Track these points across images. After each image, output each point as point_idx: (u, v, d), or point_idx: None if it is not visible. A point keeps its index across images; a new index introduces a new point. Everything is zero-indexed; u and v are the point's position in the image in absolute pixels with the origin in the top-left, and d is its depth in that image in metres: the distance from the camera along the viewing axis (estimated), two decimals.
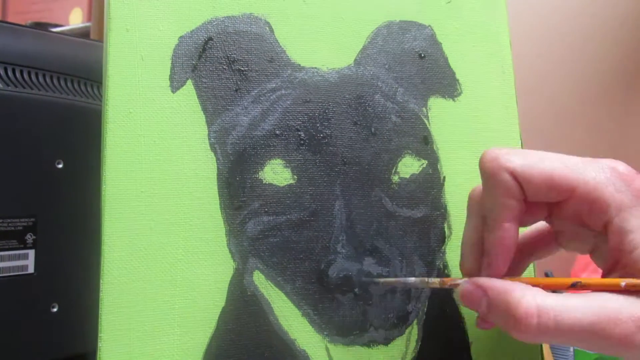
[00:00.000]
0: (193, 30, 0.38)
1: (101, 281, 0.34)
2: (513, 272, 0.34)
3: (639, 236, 0.28)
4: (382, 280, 0.37)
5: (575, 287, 0.30)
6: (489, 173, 0.30)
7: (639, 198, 0.29)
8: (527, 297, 0.28)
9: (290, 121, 0.38)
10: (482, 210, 0.33)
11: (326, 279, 0.37)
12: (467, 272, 0.35)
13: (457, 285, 0.32)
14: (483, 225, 0.33)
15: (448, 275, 0.40)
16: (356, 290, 0.37)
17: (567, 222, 0.32)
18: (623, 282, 0.28)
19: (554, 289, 0.30)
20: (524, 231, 0.37)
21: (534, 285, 0.29)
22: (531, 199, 0.31)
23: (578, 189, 0.29)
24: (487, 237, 0.32)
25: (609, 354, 0.28)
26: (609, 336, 0.27)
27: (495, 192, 0.31)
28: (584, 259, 0.81)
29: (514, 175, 0.30)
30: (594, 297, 0.28)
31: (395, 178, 0.39)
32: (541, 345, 0.41)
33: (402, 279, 0.37)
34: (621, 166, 0.30)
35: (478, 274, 0.33)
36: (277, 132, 0.38)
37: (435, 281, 0.34)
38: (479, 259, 0.34)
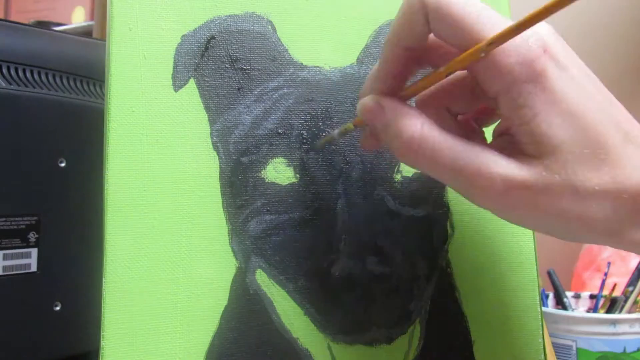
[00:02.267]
0: (195, 29, 0.38)
1: (104, 280, 0.34)
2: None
3: (530, 112, 0.28)
4: (315, 144, 0.38)
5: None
6: None
7: (536, 76, 0.28)
8: (415, 124, 0.29)
9: (293, 120, 0.38)
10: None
11: (328, 278, 0.37)
12: (362, 90, 0.34)
13: (360, 122, 0.33)
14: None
15: (450, 274, 0.40)
16: (358, 289, 0.37)
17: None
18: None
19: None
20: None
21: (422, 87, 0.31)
22: (438, 36, 0.30)
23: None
24: (381, 55, 0.32)
25: (471, 200, 0.30)
26: (472, 185, 0.29)
27: (402, 15, 0.30)
28: (588, 256, 0.81)
29: (425, 8, 0.29)
30: (473, 146, 0.29)
31: (398, 177, 0.39)
32: (544, 344, 0.41)
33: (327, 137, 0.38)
34: (545, 38, 0.28)
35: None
36: (280, 130, 0.38)
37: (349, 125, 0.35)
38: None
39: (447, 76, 0.30)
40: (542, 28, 0.28)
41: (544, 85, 0.27)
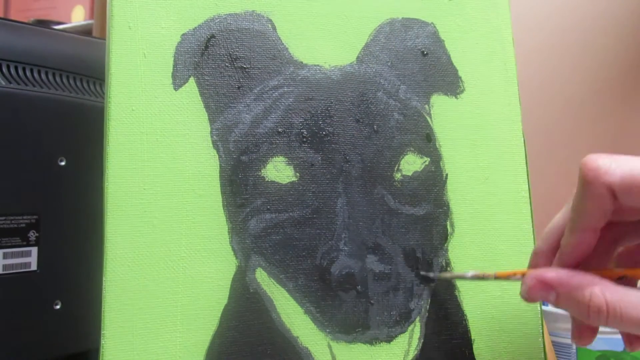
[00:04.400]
0: (195, 27, 0.38)
1: (104, 278, 0.34)
2: (600, 263, 0.35)
3: None
4: (439, 275, 0.39)
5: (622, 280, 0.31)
6: (586, 181, 0.30)
7: None
8: (595, 293, 0.30)
9: (293, 119, 0.38)
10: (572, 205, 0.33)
11: (328, 277, 0.37)
12: (535, 252, 0.35)
13: (516, 276, 0.34)
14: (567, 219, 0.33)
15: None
16: (359, 287, 0.37)
17: None
18: None
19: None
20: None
21: (600, 276, 0.31)
22: (627, 205, 0.31)
23: None
24: (566, 233, 0.33)
25: None
26: None
27: (586, 201, 0.31)
28: None
29: (612, 190, 0.30)
30: None
31: (398, 175, 0.39)
32: (544, 343, 0.41)
33: (458, 274, 0.39)
34: None
35: (546, 256, 0.34)
36: (280, 129, 0.38)
37: (490, 274, 0.35)
38: (554, 245, 0.34)
39: None
40: None
41: None
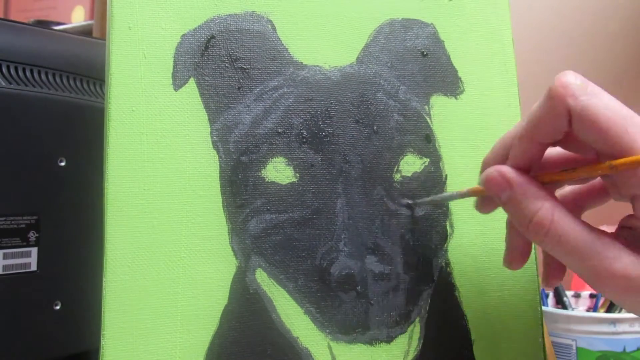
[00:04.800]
0: (195, 28, 0.38)
1: (104, 279, 0.34)
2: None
3: None
4: (418, 201, 0.39)
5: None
6: (550, 96, 0.30)
7: None
8: (545, 207, 0.30)
9: (293, 119, 0.38)
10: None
11: (328, 277, 0.37)
12: (485, 161, 0.35)
13: (479, 190, 0.34)
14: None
15: (450, 274, 0.40)
16: (358, 288, 0.37)
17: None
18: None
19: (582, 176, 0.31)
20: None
21: (557, 180, 0.31)
22: (578, 136, 0.30)
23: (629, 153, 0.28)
24: (515, 141, 0.32)
25: (592, 287, 0.31)
26: (594, 277, 0.29)
27: (543, 114, 0.30)
28: None
29: (569, 114, 0.29)
30: (600, 237, 0.29)
31: (397, 176, 0.39)
32: (544, 343, 0.41)
33: (436, 196, 0.40)
34: None
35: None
36: (280, 130, 0.38)
37: (463, 191, 0.36)
38: (503, 157, 0.34)
39: (587, 178, 0.31)
40: None
41: None
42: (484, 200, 0.36)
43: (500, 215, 0.42)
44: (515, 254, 0.35)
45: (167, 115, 0.36)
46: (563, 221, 0.30)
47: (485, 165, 0.35)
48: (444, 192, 0.40)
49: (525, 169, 0.32)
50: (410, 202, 0.39)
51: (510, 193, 0.31)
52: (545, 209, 0.30)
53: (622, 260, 0.29)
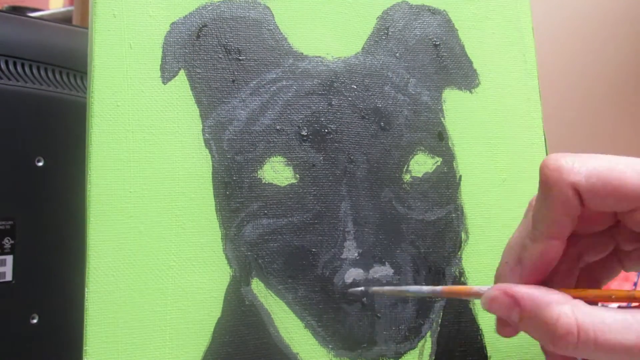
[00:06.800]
0: (186, 15, 0.38)
1: (86, 290, 0.34)
2: (563, 281, 0.34)
3: None
4: (385, 289, 0.37)
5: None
6: (549, 184, 0.29)
7: None
8: (565, 313, 0.28)
9: (292, 115, 0.38)
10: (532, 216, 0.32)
11: (331, 288, 0.37)
12: (498, 276, 0.35)
13: (478, 294, 0.32)
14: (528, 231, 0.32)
15: (464, 284, 0.40)
16: (364, 299, 0.37)
17: (632, 233, 0.32)
18: None
19: (597, 302, 0.30)
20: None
21: (573, 296, 0.29)
22: (594, 210, 0.30)
23: None
24: (528, 245, 0.32)
25: None
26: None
27: (550, 206, 0.30)
28: None
29: (577, 190, 0.29)
30: (636, 316, 0.28)
31: (407, 177, 0.39)
32: None
33: (407, 288, 0.37)
34: None
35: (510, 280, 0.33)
36: (278, 127, 0.38)
37: (437, 289, 0.33)
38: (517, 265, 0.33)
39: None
40: None
41: None
42: (500, 321, 0.34)
43: (519, 220, 0.42)
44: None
45: (155, 110, 0.36)
46: (590, 320, 0.28)
47: (497, 279, 0.34)
48: (411, 286, 0.38)
49: (543, 273, 0.31)
50: (362, 289, 0.37)
51: (520, 310, 0.30)
52: (564, 314, 0.28)
53: None
